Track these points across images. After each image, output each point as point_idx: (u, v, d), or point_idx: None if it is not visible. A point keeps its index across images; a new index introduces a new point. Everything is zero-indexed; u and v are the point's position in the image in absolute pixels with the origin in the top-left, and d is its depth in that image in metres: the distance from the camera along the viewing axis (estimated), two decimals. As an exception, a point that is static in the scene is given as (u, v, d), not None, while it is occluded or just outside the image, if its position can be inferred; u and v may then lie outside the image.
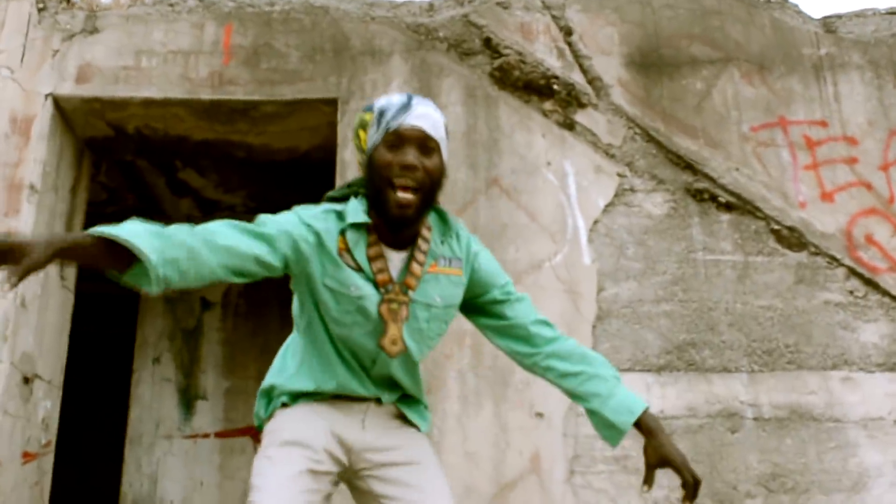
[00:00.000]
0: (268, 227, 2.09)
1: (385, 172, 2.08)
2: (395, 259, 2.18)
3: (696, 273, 4.89)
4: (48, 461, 5.22)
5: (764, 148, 5.14)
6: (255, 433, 6.82)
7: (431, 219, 2.25)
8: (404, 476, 2.23)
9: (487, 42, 5.25)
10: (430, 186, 2.12)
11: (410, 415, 2.35)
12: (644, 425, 2.21)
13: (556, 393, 4.64)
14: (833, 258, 4.91)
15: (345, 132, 5.04)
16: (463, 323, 4.69)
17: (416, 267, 2.16)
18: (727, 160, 5.08)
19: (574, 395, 2.30)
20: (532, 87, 5.15)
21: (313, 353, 2.27)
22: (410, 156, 2.07)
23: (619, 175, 5.02)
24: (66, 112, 5.24)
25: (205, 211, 7.26)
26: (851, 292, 4.86)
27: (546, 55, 5.23)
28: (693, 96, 5.23)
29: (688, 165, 5.05)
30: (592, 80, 5.20)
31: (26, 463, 4.89)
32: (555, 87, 5.13)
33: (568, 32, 5.31)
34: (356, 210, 2.17)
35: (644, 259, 4.90)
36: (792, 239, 4.94)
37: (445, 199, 4.85)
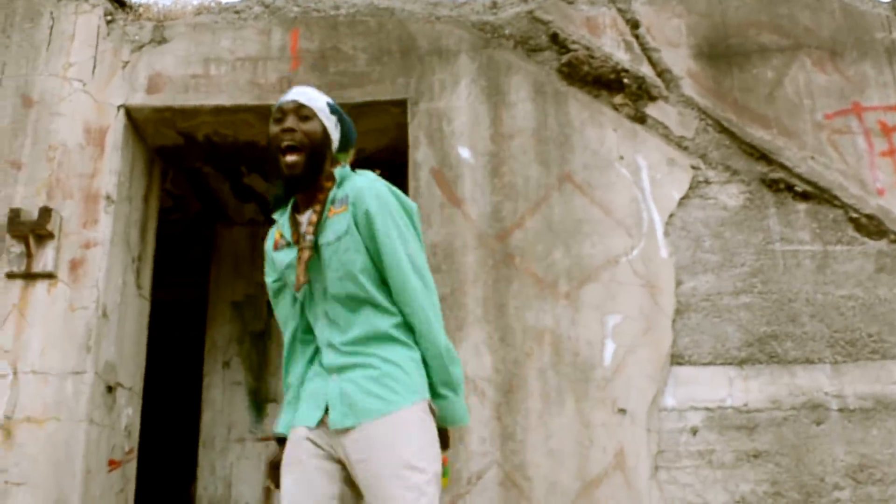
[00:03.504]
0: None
1: (274, 142, 2.46)
2: (305, 218, 2.50)
3: (775, 264, 4.83)
4: (132, 468, 5.28)
5: (839, 135, 5.06)
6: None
7: (338, 175, 2.53)
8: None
9: (554, 38, 5.22)
10: (311, 146, 2.45)
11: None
12: None
13: (638, 388, 4.64)
14: (914, 245, 4.84)
15: (416, 133, 5.05)
16: (542, 320, 4.72)
17: (312, 216, 2.47)
18: (802, 149, 5.01)
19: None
20: (601, 81, 5.11)
21: None
22: (288, 121, 2.44)
23: (693, 167, 4.98)
24: (137, 122, 5.29)
25: (268, 215, 7.30)
26: (935, 279, 4.79)
27: (614, 49, 5.20)
28: (764, 85, 5.17)
29: (762, 156, 4.99)
30: (662, 73, 5.15)
31: (112, 471, 4.95)
32: (624, 80, 5.09)
33: (635, 25, 5.27)
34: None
35: (721, 251, 4.86)
36: (871, 227, 4.87)
37: (518, 196, 4.87)
